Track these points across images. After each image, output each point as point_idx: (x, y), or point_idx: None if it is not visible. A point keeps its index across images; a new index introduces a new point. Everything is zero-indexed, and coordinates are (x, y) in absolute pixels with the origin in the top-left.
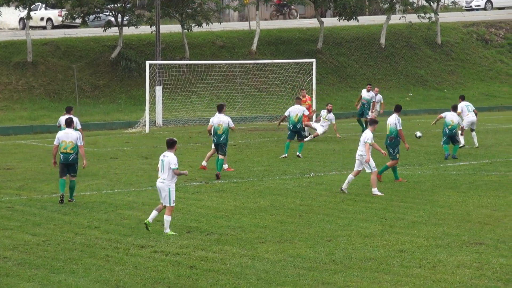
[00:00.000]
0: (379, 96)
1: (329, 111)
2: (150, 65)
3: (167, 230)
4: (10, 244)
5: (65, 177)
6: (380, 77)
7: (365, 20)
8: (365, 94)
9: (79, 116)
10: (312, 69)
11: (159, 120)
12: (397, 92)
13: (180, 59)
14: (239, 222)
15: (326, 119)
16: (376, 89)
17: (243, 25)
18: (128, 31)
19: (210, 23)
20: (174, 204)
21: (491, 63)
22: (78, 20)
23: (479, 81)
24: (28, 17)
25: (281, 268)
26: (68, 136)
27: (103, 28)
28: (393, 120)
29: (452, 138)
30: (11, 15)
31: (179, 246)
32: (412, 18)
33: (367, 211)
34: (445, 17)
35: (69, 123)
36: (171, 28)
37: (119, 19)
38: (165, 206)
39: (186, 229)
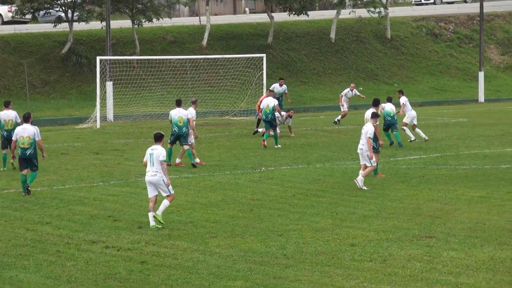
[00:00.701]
0: (355, 91)
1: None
2: (101, 60)
3: (159, 213)
4: None
5: (25, 172)
6: (330, 71)
7: (315, 14)
8: (277, 88)
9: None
10: (262, 64)
11: (110, 115)
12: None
13: (131, 55)
14: (190, 217)
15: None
16: (352, 84)
17: (193, 20)
18: (78, 26)
19: (161, 18)
20: (173, 191)
21: (440, 57)
22: (28, 16)
23: (429, 75)
24: None
25: (232, 262)
26: (25, 131)
27: (53, 24)
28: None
29: (392, 126)
30: None
31: (131, 241)
32: (362, 12)
33: (318, 205)
34: (394, 12)
35: (26, 118)
36: (121, 23)
37: (69, 15)
38: (155, 201)
39: (137, 224)
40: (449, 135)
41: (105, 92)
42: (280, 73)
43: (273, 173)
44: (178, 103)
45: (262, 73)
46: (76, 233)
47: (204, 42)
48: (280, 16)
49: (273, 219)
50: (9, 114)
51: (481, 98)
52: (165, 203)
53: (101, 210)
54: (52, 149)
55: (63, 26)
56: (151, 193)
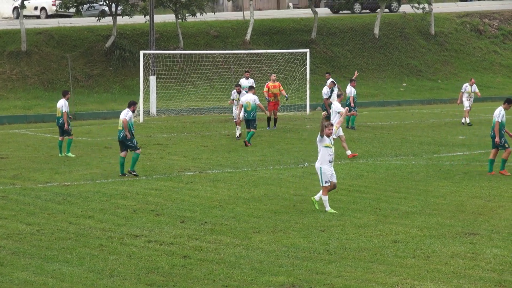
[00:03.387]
0: (474, 86)
1: None
2: (144, 54)
3: None
4: (4, 234)
5: (123, 154)
6: (373, 67)
7: (358, 9)
8: (244, 82)
9: (73, 105)
10: (306, 59)
11: (153, 109)
12: (391, 83)
13: (174, 49)
14: (233, 212)
15: None
16: (472, 79)
17: (237, 15)
18: (122, 20)
19: (204, 13)
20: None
21: (484, 53)
22: (72, 10)
23: (473, 71)
24: (22, 6)
25: (275, 258)
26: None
27: (97, 18)
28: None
29: None
30: (5, 4)
31: (173, 235)
32: (406, 8)
33: (361, 201)
34: (438, 8)
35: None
36: (165, 17)
37: (113, 9)
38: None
39: (180, 219)
40: None
41: (148, 86)
42: (323, 68)
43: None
44: (250, 89)
45: (306, 69)
46: (119, 227)
47: (248, 37)
48: (324, 11)
49: (316, 215)
50: (58, 103)
51: None
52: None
53: (144, 204)
54: (95, 143)
55: (107, 20)
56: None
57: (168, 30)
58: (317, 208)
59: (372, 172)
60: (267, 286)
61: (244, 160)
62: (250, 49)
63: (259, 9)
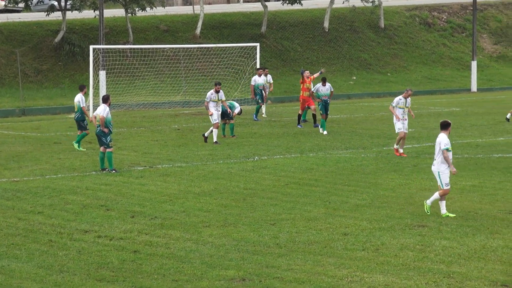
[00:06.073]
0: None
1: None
2: (94, 49)
3: None
4: None
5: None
6: (323, 60)
7: (308, 4)
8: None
9: (22, 100)
10: (256, 53)
11: None
12: (341, 76)
13: (124, 44)
14: (183, 206)
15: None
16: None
17: (187, 9)
18: (71, 15)
19: (154, 7)
20: None
21: (433, 46)
22: (21, 5)
23: (422, 64)
24: None
25: (225, 252)
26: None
27: (46, 13)
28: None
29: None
30: None
31: (123, 230)
32: (356, 2)
33: (311, 194)
34: (388, 1)
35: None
36: (114, 12)
37: (63, 3)
38: None
39: (130, 214)
40: None
41: (98, 81)
42: (273, 62)
43: (266, 162)
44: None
45: (256, 63)
46: (69, 223)
47: (198, 31)
48: (274, 5)
49: (266, 209)
50: (75, 98)
51: (474, 87)
52: None
53: (94, 200)
54: (45, 138)
55: (56, 15)
56: None
57: (118, 25)
58: (428, 213)
59: (322, 166)
60: (217, 280)
61: (194, 155)
62: (200, 44)
63: (209, 3)
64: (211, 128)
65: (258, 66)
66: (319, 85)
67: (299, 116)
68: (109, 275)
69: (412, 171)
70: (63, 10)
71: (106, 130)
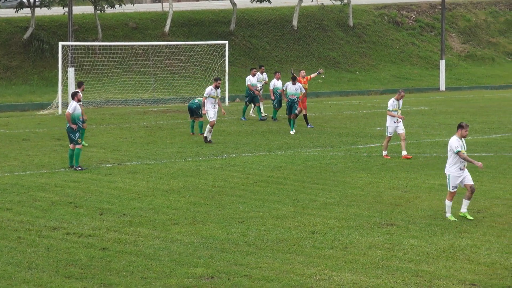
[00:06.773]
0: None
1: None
2: (63, 46)
3: None
4: None
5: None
6: (292, 59)
7: (277, 2)
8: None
9: None
10: (224, 51)
11: None
12: (309, 74)
13: (93, 41)
14: (151, 204)
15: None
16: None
17: (156, 7)
18: (40, 12)
19: (123, 4)
20: None
21: (402, 45)
22: None
23: (391, 63)
24: None
25: (193, 249)
26: None
27: (15, 9)
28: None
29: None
30: None
31: (92, 228)
32: (324, 0)
33: (280, 192)
34: (357, 0)
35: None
36: (83, 9)
37: (31, 0)
38: None
39: (98, 211)
40: (410, 123)
41: (67, 78)
42: (242, 60)
43: (235, 160)
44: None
45: (224, 60)
46: (37, 220)
47: (167, 28)
48: (243, 3)
49: (235, 206)
50: None
51: (442, 86)
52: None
53: (62, 197)
54: (13, 135)
55: (25, 12)
56: None
57: (87, 22)
58: (471, 218)
59: (291, 164)
60: (186, 278)
61: (163, 152)
62: (169, 41)
63: (178, 1)
64: (208, 126)
65: (227, 64)
66: (289, 83)
67: (305, 116)
68: (78, 272)
69: (380, 169)
70: (32, 6)
71: (74, 126)
